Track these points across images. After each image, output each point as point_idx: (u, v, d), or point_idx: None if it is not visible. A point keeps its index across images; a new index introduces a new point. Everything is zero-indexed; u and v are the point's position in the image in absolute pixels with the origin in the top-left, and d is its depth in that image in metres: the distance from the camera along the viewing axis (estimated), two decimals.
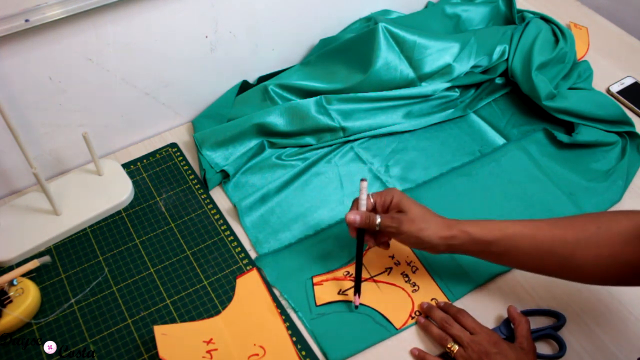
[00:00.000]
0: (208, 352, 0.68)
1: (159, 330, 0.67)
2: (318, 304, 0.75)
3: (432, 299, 0.75)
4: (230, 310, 0.74)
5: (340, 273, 0.78)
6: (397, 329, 0.73)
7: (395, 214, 0.70)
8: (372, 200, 0.71)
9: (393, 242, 0.74)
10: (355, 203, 0.72)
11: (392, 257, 0.79)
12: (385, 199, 0.71)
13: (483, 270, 0.78)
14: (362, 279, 0.76)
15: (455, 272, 0.78)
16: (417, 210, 0.69)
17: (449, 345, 0.69)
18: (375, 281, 0.77)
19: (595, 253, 0.63)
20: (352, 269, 0.78)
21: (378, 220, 0.69)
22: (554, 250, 0.65)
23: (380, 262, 0.79)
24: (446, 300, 0.75)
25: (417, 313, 0.74)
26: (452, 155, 0.93)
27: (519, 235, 0.67)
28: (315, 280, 0.77)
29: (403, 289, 0.76)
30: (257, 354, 0.69)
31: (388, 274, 0.78)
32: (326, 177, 0.90)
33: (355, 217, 0.69)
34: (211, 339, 0.69)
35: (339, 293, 0.76)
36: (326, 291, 0.76)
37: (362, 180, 0.70)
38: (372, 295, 0.76)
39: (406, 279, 0.77)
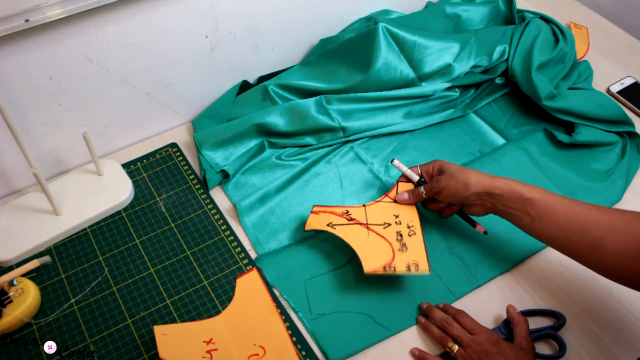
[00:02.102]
0: (208, 352, 0.68)
1: (159, 330, 0.67)
2: (306, 229, 0.78)
3: (413, 262, 0.74)
4: (230, 310, 0.74)
5: (340, 210, 0.80)
6: (365, 272, 0.73)
7: (435, 177, 0.78)
8: (418, 170, 0.82)
9: (400, 206, 0.81)
10: (403, 178, 0.83)
11: (397, 216, 0.80)
12: (428, 168, 0.80)
13: (483, 270, 0.79)
14: (357, 222, 0.79)
15: (455, 272, 0.78)
16: (456, 167, 0.77)
17: (449, 345, 0.69)
18: (368, 228, 0.78)
19: (625, 242, 0.62)
20: (352, 210, 0.81)
21: (422, 189, 0.79)
22: (587, 228, 0.65)
23: (383, 217, 0.80)
24: (426, 270, 0.74)
25: (393, 269, 0.73)
26: (452, 155, 0.93)
27: (558, 203, 0.68)
28: (315, 209, 0.80)
29: (390, 244, 0.76)
30: (257, 354, 0.69)
31: (384, 228, 0.78)
32: (326, 177, 0.90)
33: (404, 196, 0.81)
34: (211, 339, 0.69)
35: (328, 225, 0.77)
36: (319, 221, 0.78)
37: (392, 160, 0.83)
38: (358, 237, 0.76)
39: (399, 237, 0.77)
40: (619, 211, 0.66)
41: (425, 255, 0.75)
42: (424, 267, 0.73)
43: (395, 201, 0.82)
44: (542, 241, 0.71)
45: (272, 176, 0.89)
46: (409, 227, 0.79)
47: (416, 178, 0.81)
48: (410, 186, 0.82)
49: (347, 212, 0.79)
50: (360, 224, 0.78)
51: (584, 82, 1.01)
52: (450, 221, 0.84)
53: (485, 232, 0.79)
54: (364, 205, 0.81)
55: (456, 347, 0.68)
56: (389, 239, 0.77)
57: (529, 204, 0.69)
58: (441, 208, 0.80)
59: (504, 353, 0.66)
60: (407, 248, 0.76)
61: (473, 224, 0.79)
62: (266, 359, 0.69)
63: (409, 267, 0.73)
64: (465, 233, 0.83)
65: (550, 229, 0.68)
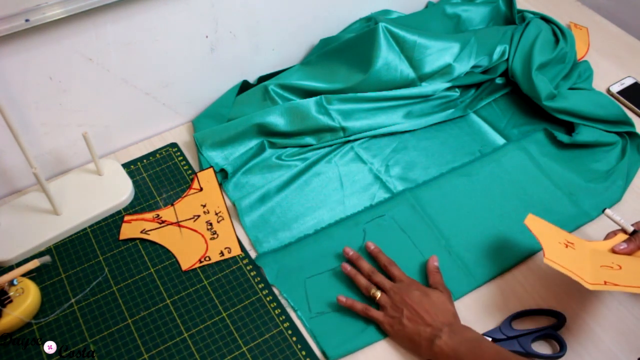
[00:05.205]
0: (565, 244, 0.72)
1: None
2: (120, 238, 0.81)
3: (225, 248, 0.79)
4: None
5: (150, 215, 0.83)
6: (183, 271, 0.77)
7: None
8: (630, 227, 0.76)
9: (206, 194, 0.85)
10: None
11: (204, 205, 0.84)
12: None
13: (483, 270, 0.78)
14: (168, 223, 0.82)
15: (455, 271, 0.78)
16: None
17: (372, 292, 0.73)
18: (180, 226, 0.81)
19: None
20: (162, 212, 0.84)
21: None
22: None
23: (192, 210, 0.84)
24: (238, 252, 0.79)
25: (208, 259, 0.78)
26: (452, 155, 0.93)
27: None
28: (126, 218, 0.83)
29: (202, 235, 0.80)
30: (612, 267, 0.69)
31: (194, 221, 0.82)
32: (326, 177, 0.90)
33: (622, 246, 0.74)
34: (573, 244, 0.73)
35: (141, 232, 0.81)
36: (132, 229, 0.81)
37: (604, 210, 0.78)
38: (172, 237, 0.80)
39: (209, 226, 0.81)
40: None
41: (235, 238, 0.80)
42: (236, 251, 0.79)
43: None
44: None
45: (272, 176, 0.89)
46: (216, 213, 0.83)
47: (631, 229, 0.76)
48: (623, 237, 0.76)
49: (158, 215, 0.83)
50: (172, 223, 0.82)
51: (584, 82, 1.01)
52: (449, 220, 0.83)
53: None
54: (172, 205, 0.84)
55: (379, 294, 0.72)
56: (200, 230, 0.81)
57: None
58: None
59: (425, 292, 0.71)
60: (218, 235, 0.80)
61: None
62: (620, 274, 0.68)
63: (222, 253, 0.79)
64: (465, 233, 0.83)
65: None
